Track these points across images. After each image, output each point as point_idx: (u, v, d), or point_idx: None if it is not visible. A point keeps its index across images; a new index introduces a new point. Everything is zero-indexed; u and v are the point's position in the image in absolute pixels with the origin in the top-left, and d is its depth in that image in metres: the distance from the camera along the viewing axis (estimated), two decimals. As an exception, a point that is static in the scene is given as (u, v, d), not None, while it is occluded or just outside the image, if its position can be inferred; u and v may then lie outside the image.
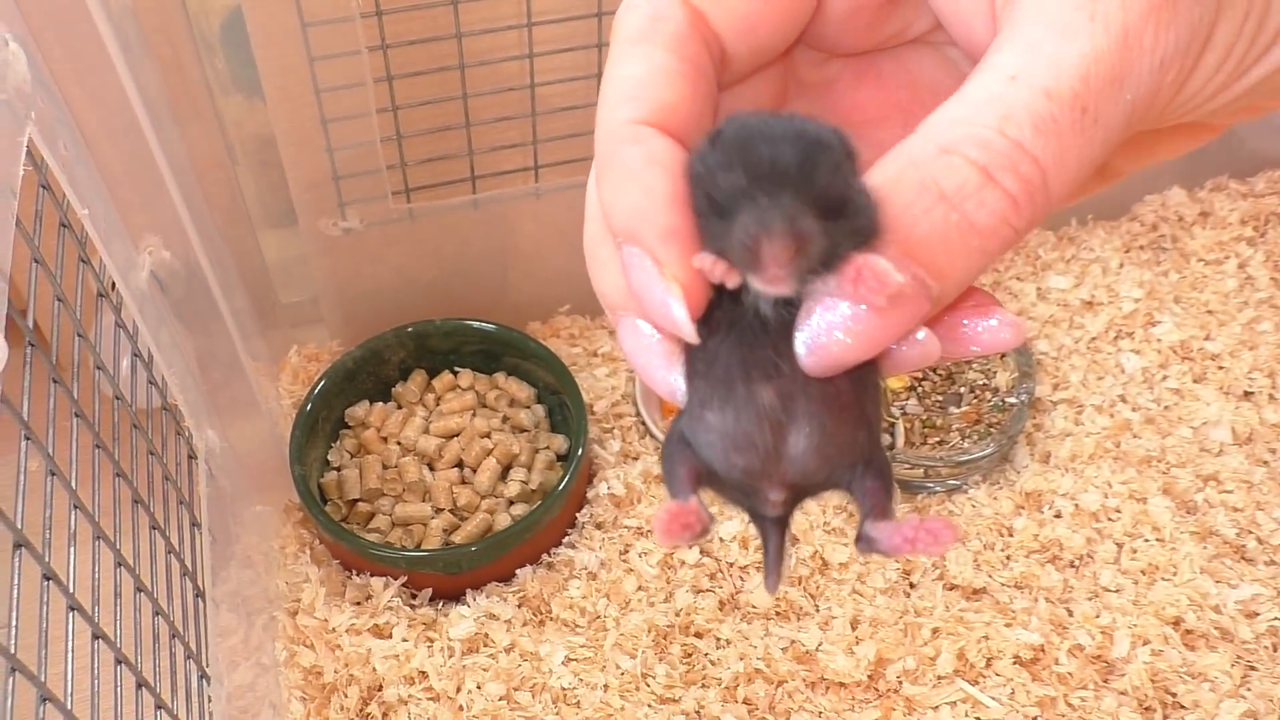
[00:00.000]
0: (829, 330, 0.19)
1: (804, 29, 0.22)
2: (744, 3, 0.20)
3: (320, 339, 0.80)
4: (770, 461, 0.23)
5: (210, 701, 0.49)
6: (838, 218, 0.19)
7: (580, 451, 0.68)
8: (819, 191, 0.19)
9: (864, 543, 0.24)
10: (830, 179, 0.20)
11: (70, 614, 0.35)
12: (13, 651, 0.29)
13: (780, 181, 0.19)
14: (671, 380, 0.22)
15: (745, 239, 0.19)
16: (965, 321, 0.21)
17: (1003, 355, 0.82)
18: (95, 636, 0.36)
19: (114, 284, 0.49)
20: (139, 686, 0.39)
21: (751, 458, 0.23)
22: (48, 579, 0.33)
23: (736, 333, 0.21)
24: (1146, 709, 0.64)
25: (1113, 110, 0.19)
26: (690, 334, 0.21)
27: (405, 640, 0.63)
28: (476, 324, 0.75)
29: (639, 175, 0.19)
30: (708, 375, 0.22)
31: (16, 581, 0.31)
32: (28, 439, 0.34)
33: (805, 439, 0.22)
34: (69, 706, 0.32)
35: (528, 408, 0.75)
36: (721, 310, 0.21)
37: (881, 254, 0.19)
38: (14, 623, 0.31)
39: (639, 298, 0.21)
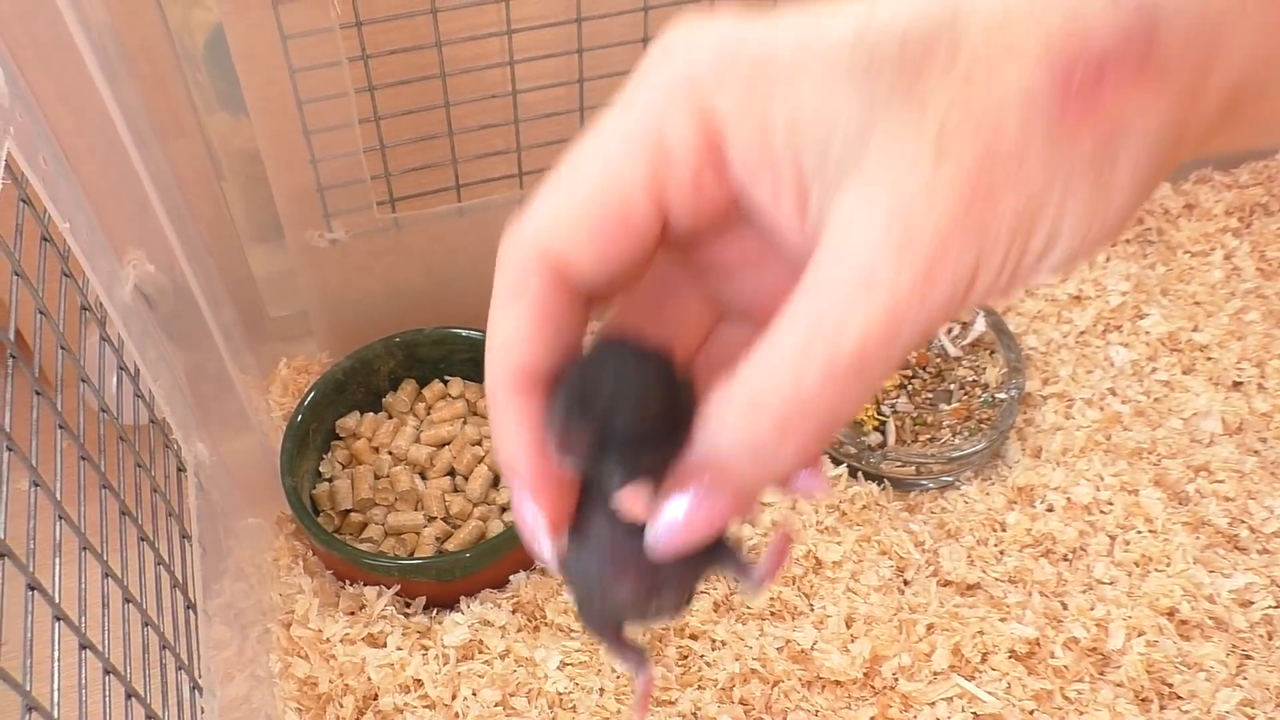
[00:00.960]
0: (666, 528, 0.23)
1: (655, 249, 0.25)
2: (593, 256, 0.23)
3: (310, 352, 0.81)
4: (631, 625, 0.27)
5: (203, 713, 0.49)
6: (665, 436, 0.23)
7: (571, 456, 0.68)
8: (645, 429, 0.23)
9: (746, 586, 0.27)
10: (659, 407, 0.24)
11: (56, 624, 0.35)
12: (-4, 660, 0.29)
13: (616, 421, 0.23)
14: (545, 555, 0.25)
15: (603, 489, 0.24)
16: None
17: (992, 351, 0.82)
18: (82, 646, 0.36)
19: (99, 299, 0.49)
20: (129, 697, 0.39)
21: (614, 629, 0.27)
22: (32, 589, 0.33)
23: (604, 516, 0.25)
24: (1143, 700, 0.64)
25: (885, 363, 0.22)
26: (552, 566, 0.25)
27: (400, 649, 0.63)
28: (465, 332, 0.75)
29: (508, 433, 0.24)
30: (577, 564, 0.25)
31: (1, 585, 0.31)
32: (10, 450, 0.34)
33: (665, 612, 0.26)
34: (55, 716, 0.32)
35: (518, 414, 0.75)
36: (594, 495, 0.25)
37: (690, 478, 0.23)
38: (-2, 632, 0.31)
39: (516, 515, 0.25)
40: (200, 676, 0.51)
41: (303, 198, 0.70)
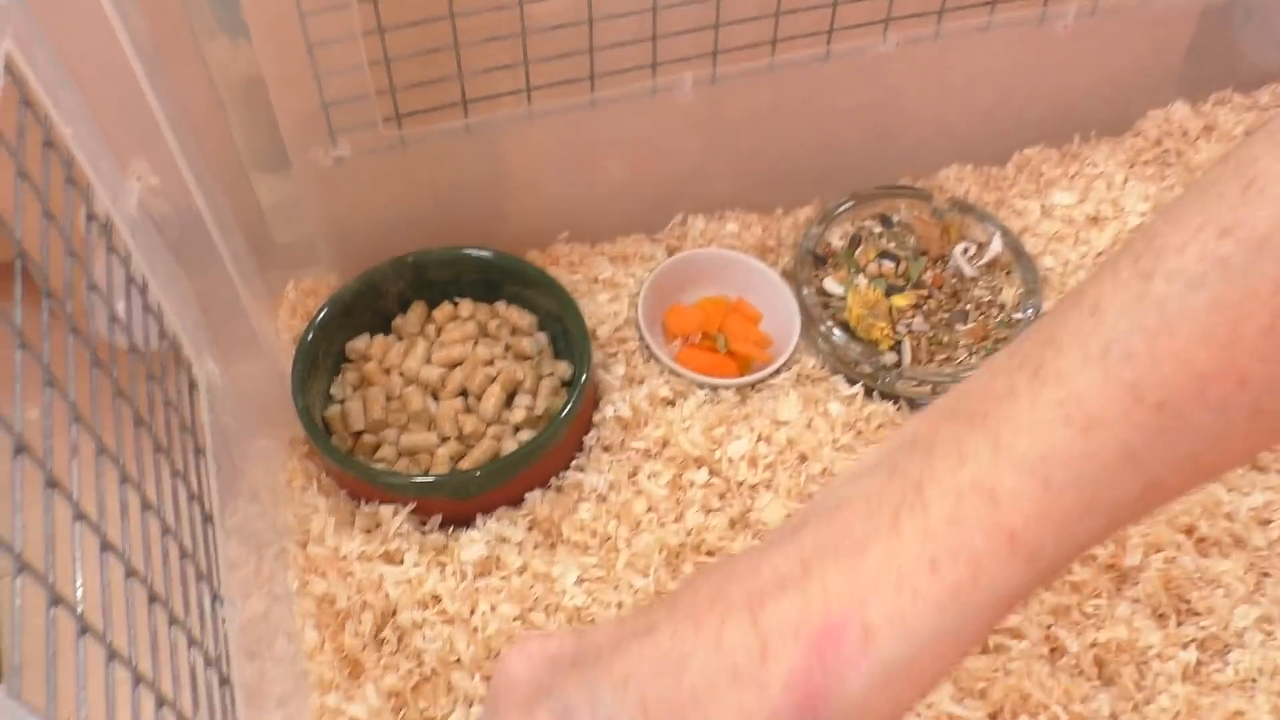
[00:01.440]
0: None
1: None
2: None
3: (318, 275, 0.80)
4: None
5: (224, 624, 0.49)
6: None
7: (585, 376, 0.68)
8: None
9: None
10: None
11: (76, 524, 0.34)
12: (18, 550, 0.28)
13: None
14: None
15: None
16: None
17: (1009, 271, 0.81)
18: (104, 548, 0.36)
19: (107, 211, 0.48)
20: (151, 600, 0.39)
21: None
22: (51, 486, 0.33)
23: None
24: (1160, 615, 0.64)
25: None
26: None
27: (417, 565, 0.63)
28: (475, 253, 0.74)
29: None
30: None
31: (18, 484, 0.30)
32: (23, 348, 0.33)
33: None
34: (80, 612, 0.32)
35: (530, 335, 0.75)
36: None
37: None
38: (18, 527, 0.30)
39: None
40: (220, 588, 0.51)
41: (307, 116, 0.69)
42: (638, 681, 0.31)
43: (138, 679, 0.35)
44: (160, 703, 0.36)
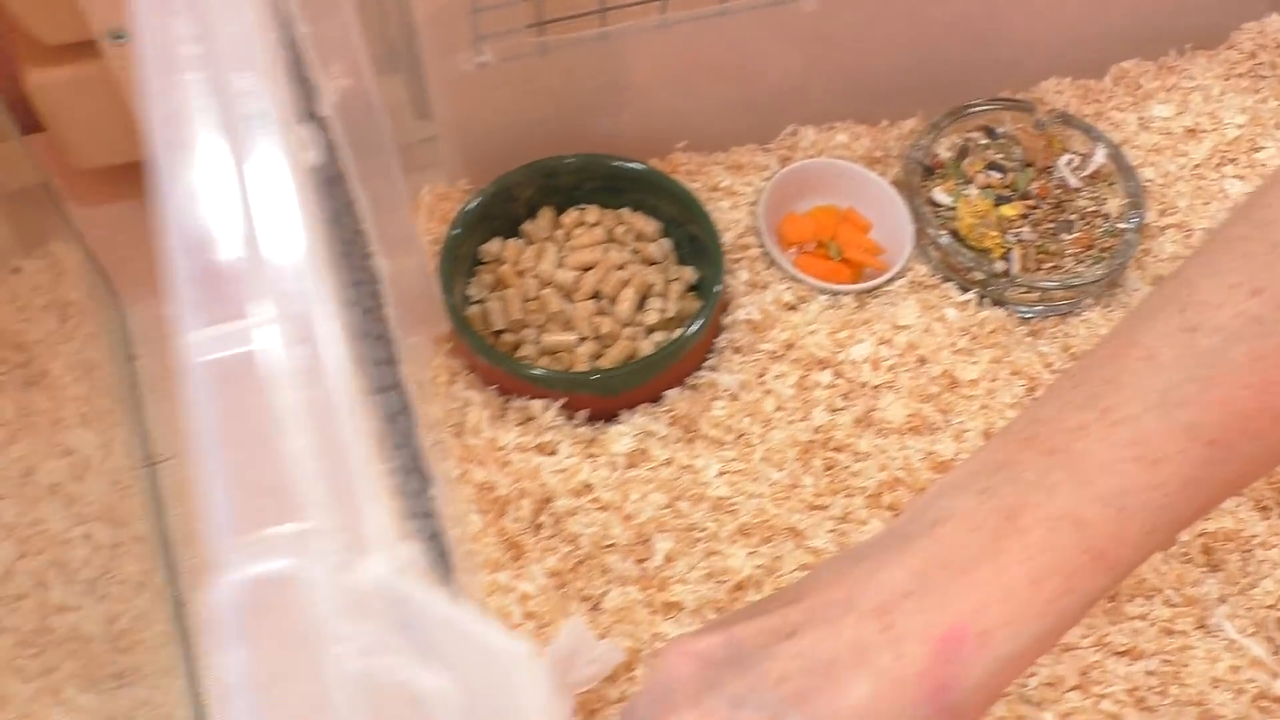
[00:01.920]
0: None
1: None
2: None
3: (447, 180, 0.82)
4: None
5: (433, 501, 0.53)
6: None
7: (719, 280, 0.71)
8: None
9: None
10: None
11: (376, 396, 0.37)
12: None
13: None
14: None
15: None
16: None
17: (1111, 183, 0.83)
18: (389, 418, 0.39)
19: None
20: (407, 473, 0.42)
21: None
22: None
23: None
24: (1263, 508, 0.68)
25: None
26: None
27: (570, 456, 0.67)
28: (609, 160, 0.76)
29: None
30: None
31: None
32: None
33: None
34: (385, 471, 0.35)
35: (654, 241, 0.77)
36: None
37: None
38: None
39: None
40: (428, 470, 0.54)
41: (450, 20, 0.70)
42: (793, 681, 0.37)
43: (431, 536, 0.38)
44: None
